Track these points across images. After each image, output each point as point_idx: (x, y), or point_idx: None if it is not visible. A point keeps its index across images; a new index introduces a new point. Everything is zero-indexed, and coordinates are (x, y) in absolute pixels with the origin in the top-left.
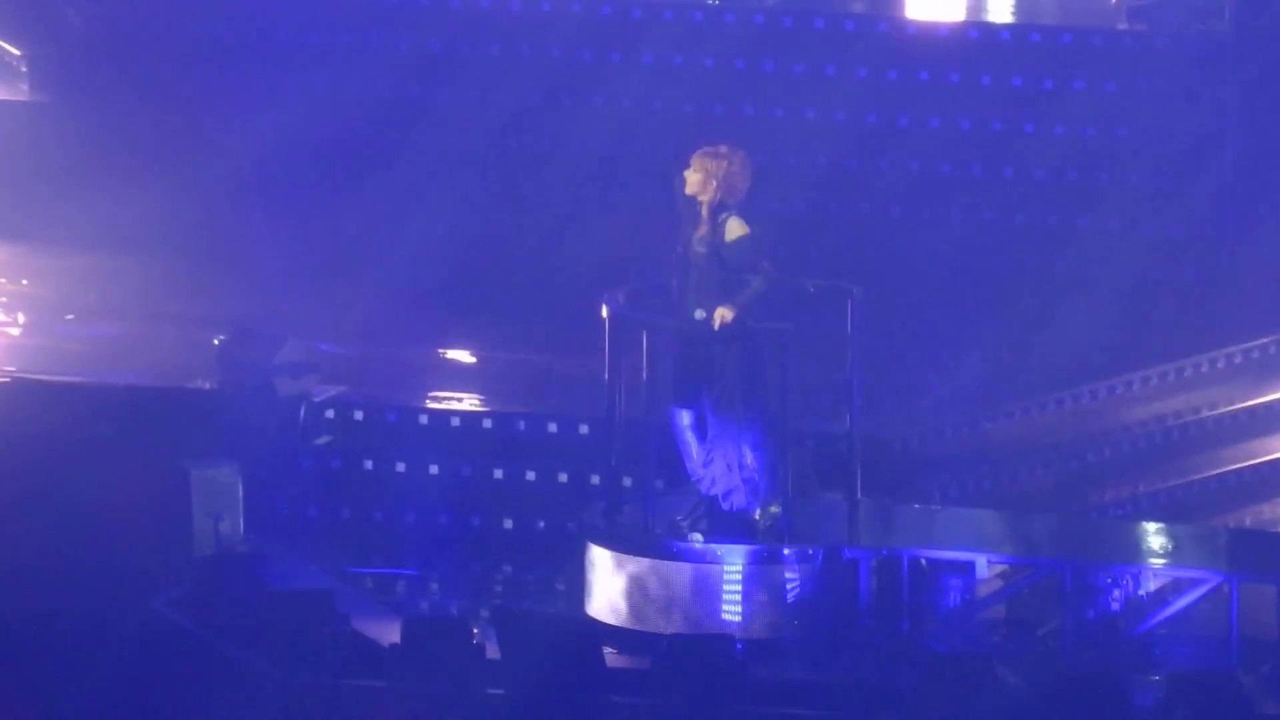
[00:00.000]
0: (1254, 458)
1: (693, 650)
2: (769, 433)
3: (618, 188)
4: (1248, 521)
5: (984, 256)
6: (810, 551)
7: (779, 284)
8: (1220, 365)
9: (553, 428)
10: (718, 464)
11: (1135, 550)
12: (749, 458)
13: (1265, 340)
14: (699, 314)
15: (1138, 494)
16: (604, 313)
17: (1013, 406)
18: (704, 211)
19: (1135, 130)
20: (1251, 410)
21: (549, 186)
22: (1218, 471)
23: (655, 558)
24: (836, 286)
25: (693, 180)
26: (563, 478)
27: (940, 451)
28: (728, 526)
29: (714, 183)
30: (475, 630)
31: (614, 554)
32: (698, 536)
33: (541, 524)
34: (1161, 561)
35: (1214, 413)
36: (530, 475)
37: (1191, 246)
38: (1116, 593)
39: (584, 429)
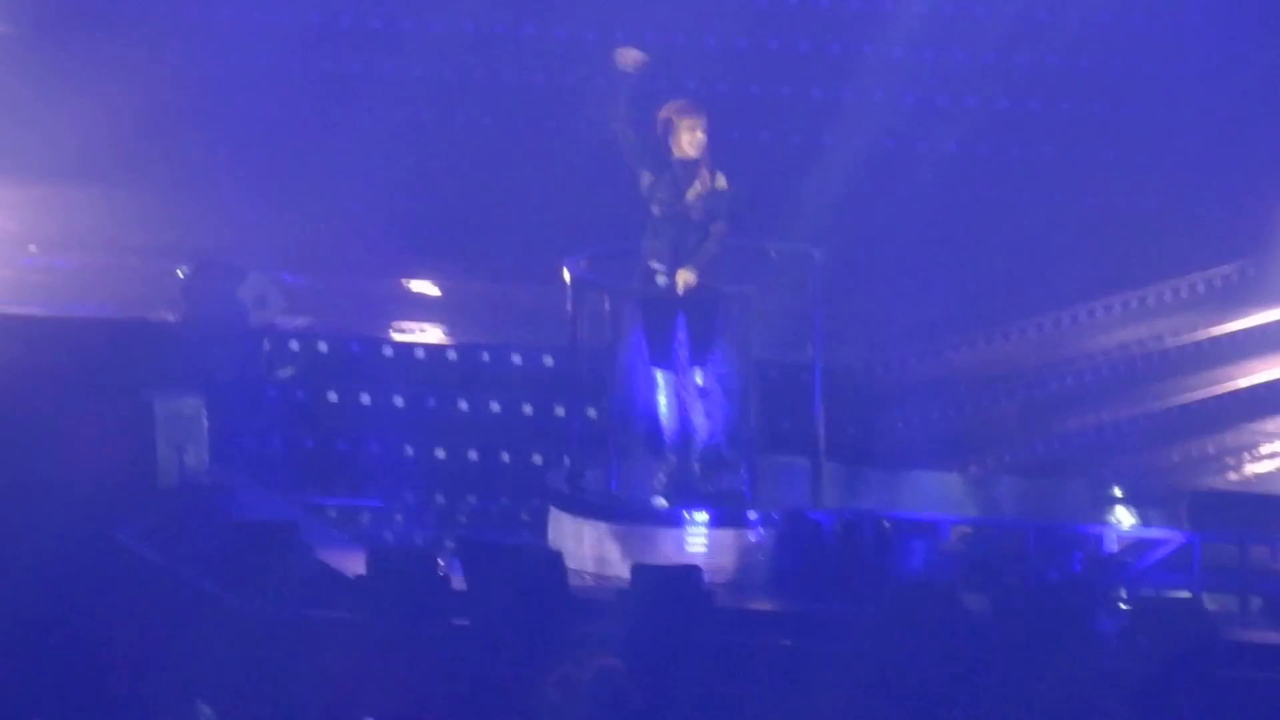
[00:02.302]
0: (1215, 385)
1: (660, 580)
2: (734, 390)
3: (582, 119)
4: (1210, 449)
5: (948, 186)
6: (774, 514)
7: (737, 247)
8: (1183, 293)
9: (517, 359)
10: (700, 420)
11: (1098, 511)
12: (716, 414)
13: (1227, 268)
14: (660, 278)
15: (1101, 422)
16: (566, 278)
17: (975, 335)
18: (705, 167)
19: (1097, 59)
20: (1214, 338)
21: (513, 117)
22: (1179, 399)
23: (619, 522)
24: (797, 250)
25: (703, 140)
26: (527, 409)
27: (904, 380)
28: (691, 490)
29: (706, 137)
30: (440, 562)
31: (578, 519)
32: (660, 500)
33: (506, 455)
34: (1124, 523)
35: (1176, 341)
36: (495, 406)
37: (1154, 174)
38: (1079, 554)
39: (549, 360)
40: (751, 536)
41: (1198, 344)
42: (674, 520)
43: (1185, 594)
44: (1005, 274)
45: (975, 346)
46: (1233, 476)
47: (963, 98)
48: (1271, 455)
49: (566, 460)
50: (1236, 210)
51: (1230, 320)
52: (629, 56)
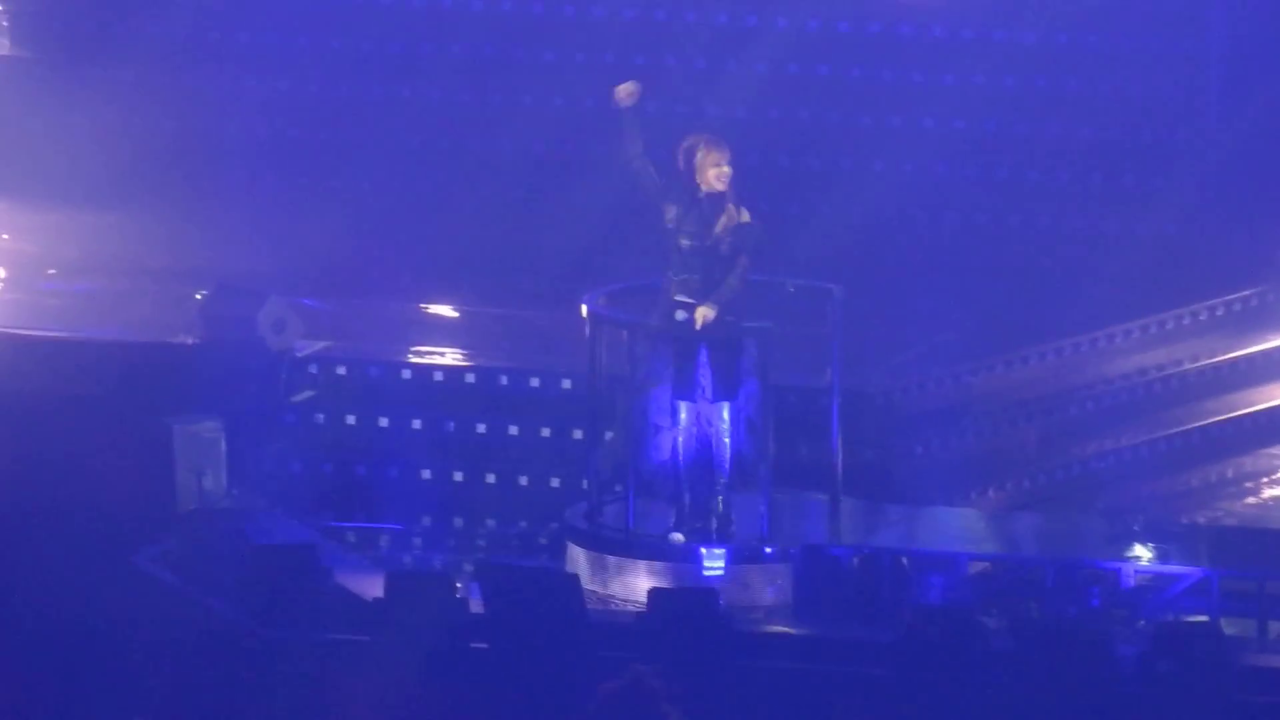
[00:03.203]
0: (1234, 410)
1: (677, 604)
2: (752, 425)
3: (601, 142)
4: (1229, 473)
5: (966, 211)
6: (792, 550)
7: (756, 283)
8: (1202, 318)
9: (535, 382)
10: (718, 455)
11: (1117, 547)
12: (735, 450)
13: (1246, 293)
14: (680, 314)
15: (1119, 447)
16: (584, 313)
17: (994, 360)
18: (730, 201)
19: (1117, 83)
20: (1232, 363)
21: (531, 141)
22: (1198, 424)
23: (637, 559)
24: (816, 286)
25: (730, 174)
26: (545, 432)
27: (922, 405)
28: (709, 527)
29: (730, 170)
30: (459, 585)
31: (595, 554)
32: (679, 536)
33: (524, 479)
34: (1143, 559)
35: (1194, 365)
36: (513, 430)
37: (1172, 199)
38: (1097, 589)
39: (566, 384)
40: (770, 572)
41: (1216, 368)
42: (692, 557)
43: (1203, 618)
44: (1024, 299)
45: (994, 371)
46: (1251, 501)
47: (981, 122)
48: None
49: (585, 486)
50: (1254, 234)
51: (1249, 344)
52: (624, 90)
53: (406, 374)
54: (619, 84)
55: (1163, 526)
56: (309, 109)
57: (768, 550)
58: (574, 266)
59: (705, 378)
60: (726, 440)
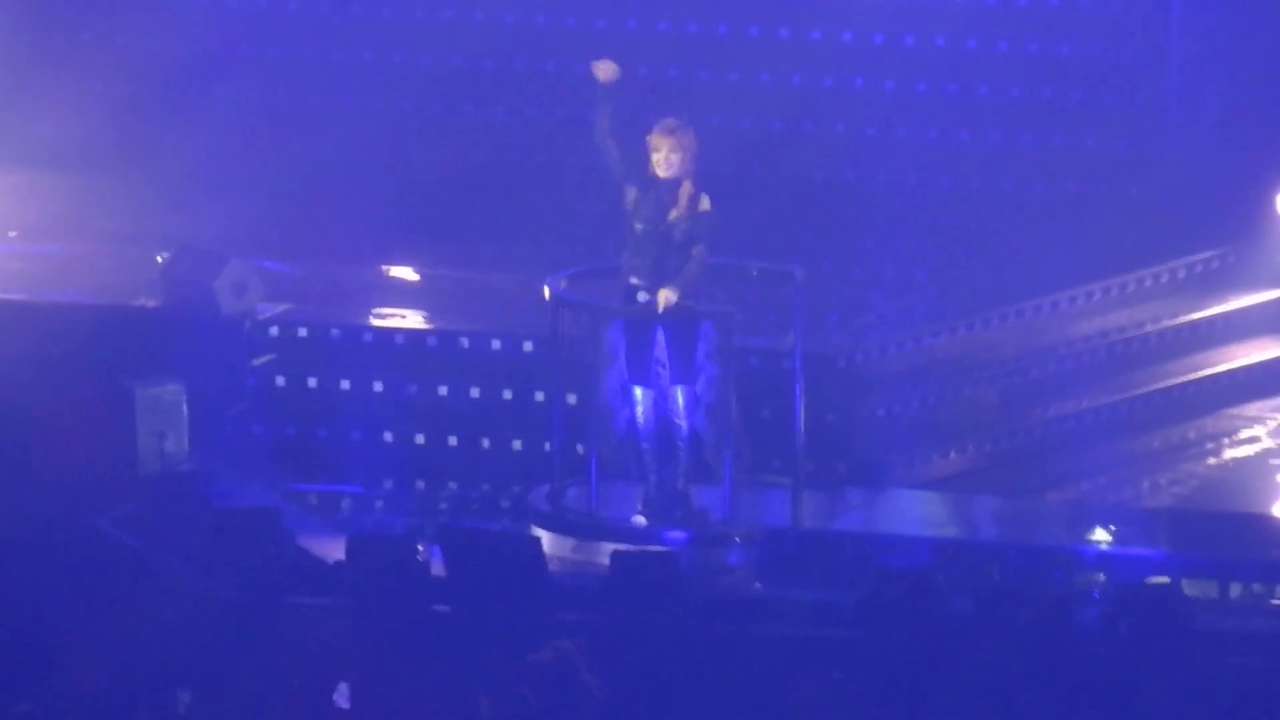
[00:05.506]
0: (1195, 372)
1: (638, 567)
2: (714, 407)
3: (563, 106)
4: (1191, 435)
5: (928, 173)
6: (754, 533)
7: (718, 266)
8: (1164, 280)
9: (497, 345)
10: (680, 438)
11: (1078, 532)
12: (696, 433)
13: (1208, 255)
14: (642, 296)
15: (1081, 409)
16: (546, 295)
17: (957, 322)
18: (687, 189)
19: (1078, 45)
20: (1194, 324)
21: (493, 104)
22: (1160, 386)
23: (598, 541)
24: (779, 270)
25: (674, 161)
26: (507, 395)
27: (884, 368)
28: (671, 509)
29: (689, 156)
30: (420, 548)
31: (557, 537)
32: (640, 519)
33: (486, 442)
34: (1104, 543)
35: (1157, 327)
36: (474, 393)
37: (1134, 161)
38: (1060, 575)
39: (528, 346)
40: (731, 555)
41: (1178, 330)
42: (654, 539)
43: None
44: (986, 261)
45: (955, 334)
46: (1212, 462)
47: (944, 84)
48: (1251, 440)
49: (547, 448)
50: (1217, 196)
51: (1211, 306)
52: (602, 69)
53: (368, 337)
54: (599, 62)
55: (1123, 509)
56: (270, 71)
57: (730, 532)
58: (536, 230)
59: (663, 361)
60: (683, 424)
